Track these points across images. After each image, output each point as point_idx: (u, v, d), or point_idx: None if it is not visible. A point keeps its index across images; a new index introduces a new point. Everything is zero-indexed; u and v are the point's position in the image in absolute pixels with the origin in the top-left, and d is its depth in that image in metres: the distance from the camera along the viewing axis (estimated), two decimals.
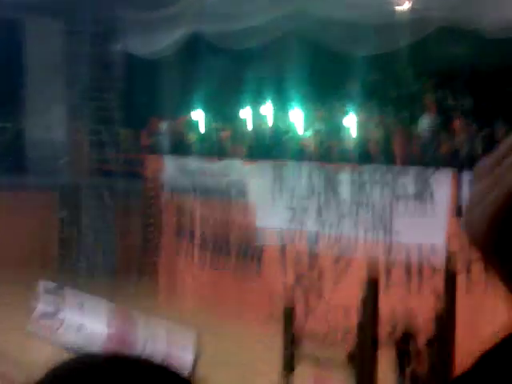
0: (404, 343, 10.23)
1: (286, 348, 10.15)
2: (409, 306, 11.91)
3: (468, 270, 12.41)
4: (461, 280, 11.31)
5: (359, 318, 9.72)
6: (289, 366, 9.89)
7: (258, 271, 16.18)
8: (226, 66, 20.43)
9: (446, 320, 9.86)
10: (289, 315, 10.64)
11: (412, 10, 15.77)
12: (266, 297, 15.32)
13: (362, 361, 9.26)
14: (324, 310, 14.29)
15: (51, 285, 15.44)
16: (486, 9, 14.20)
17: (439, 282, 12.39)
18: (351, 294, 13.31)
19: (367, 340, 9.46)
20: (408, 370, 9.74)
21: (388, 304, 11.38)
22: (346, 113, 16.37)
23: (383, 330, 10.09)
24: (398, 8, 16.10)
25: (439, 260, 12.83)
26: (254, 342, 14.35)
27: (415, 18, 15.58)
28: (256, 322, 15.34)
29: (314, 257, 14.98)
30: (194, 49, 20.44)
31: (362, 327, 9.65)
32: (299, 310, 13.52)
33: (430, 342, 9.71)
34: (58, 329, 14.17)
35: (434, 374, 9.29)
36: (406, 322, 10.89)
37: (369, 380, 9.22)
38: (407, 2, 16.07)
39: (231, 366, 13.13)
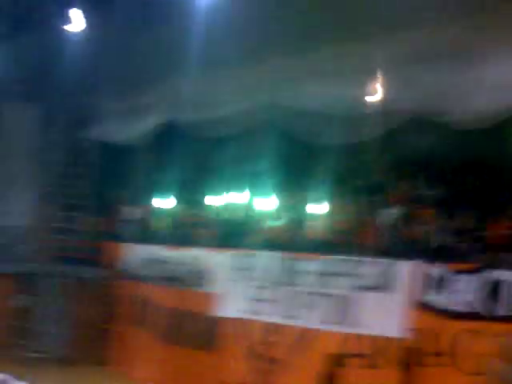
0: None
1: None
2: None
3: (422, 364, 12.14)
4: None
5: None
6: None
7: (213, 360, 15.87)
8: (198, 153, 20.58)
9: None
10: None
11: (383, 101, 16.02)
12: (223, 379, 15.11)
13: None
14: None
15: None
16: (455, 101, 14.43)
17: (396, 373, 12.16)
18: (308, 370, 13.06)
19: None
20: None
21: None
22: (313, 202, 16.39)
23: None
24: (368, 99, 16.36)
25: (397, 352, 12.55)
26: None
27: (386, 109, 15.81)
28: None
29: (271, 335, 14.74)
30: (167, 137, 20.63)
31: None
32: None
33: None
34: None
35: None
36: None
37: None
38: (378, 94, 16.33)
39: None
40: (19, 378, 14.80)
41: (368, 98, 16.24)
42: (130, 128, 20.07)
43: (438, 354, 12.22)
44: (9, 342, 19.52)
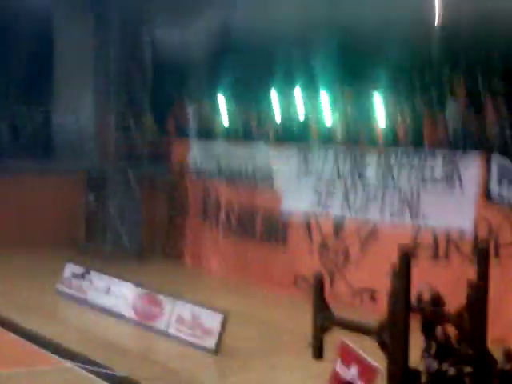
0: (432, 307, 10.19)
1: (316, 313, 10.29)
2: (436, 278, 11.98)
3: (497, 254, 12.35)
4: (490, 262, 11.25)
5: (392, 283, 9.81)
6: (320, 331, 10.02)
7: (283, 251, 16.29)
8: (254, 48, 20.41)
9: (478, 291, 9.85)
10: (318, 280, 10.78)
11: None
12: (293, 269, 15.53)
13: (395, 325, 9.35)
14: (350, 274, 14.42)
15: (78, 268, 15.64)
16: None
17: (468, 265, 12.40)
18: (377, 262, 13.40)
19: (400, 306, 9.55)
20: (436, 333, 9.73)
21: (415, 276, 11.41)
22: (374, 95, 16.25)
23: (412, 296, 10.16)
24: None
25: (468, 243, 12.78)
26: (281, 303, 14.74)
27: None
28: (283, 287, 15.65)
29: (340, 228, 15.11)
30: (223, 32, 20.46)
31: (395, 293, 9.74)
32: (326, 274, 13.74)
33: (463, 310, 9.70)
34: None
35: (464, 339, 9.32)
36: (433, 289, 10.91)
37: (402, 344, 9.28)
38: None
39: (259, 323, 13.45)
40: (98, 271, 15.40)
41: None
42: (184, 25, 19.92)
43: (509, 244, 12.42)
44: (86, 238, 20.30)
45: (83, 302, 14.94)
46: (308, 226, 15.81)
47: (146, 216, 19.70)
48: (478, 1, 14.75)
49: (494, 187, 12.91)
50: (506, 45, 16.32)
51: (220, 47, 20.73)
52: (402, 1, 15.58)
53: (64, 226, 19.75)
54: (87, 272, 15.35)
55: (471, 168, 13.33)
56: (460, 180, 13.43)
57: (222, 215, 18.00)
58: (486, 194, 12.99)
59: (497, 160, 13.01)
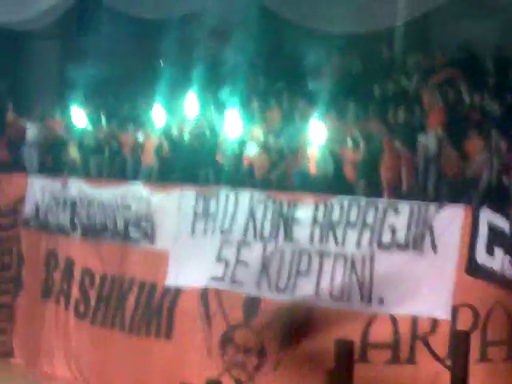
0: None
1: None
2: None
3: (483, 356, 12.79)
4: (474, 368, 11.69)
5: None
6: None
7: (166, 348, 16.40)
8: (128, 42, 20.71)
9: None
10: None
11: None
12: (179, 375, 15.71)
13: None
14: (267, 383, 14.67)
15: None
16: None
17: (442, 372, 12.82)
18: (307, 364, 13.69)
19: None
20: None
21: None
22: (310, 117, 16.66)
23: None
24: None
25: (442, 339, 13.17)
26: None
27: None
28: None
29: (254, 314, 15.37)
30: (81, 16, 20.72)
31: None
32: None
33: None
34: None
35: None
36: None
37: None
38: None
39: None
40: None
41: None
42: (25, 3, 20.07)
43: (503, 343, 12.91)
44: None
45: None
46: (205, 311, 15.95)
47: None
48: None
49: (483, 257, 13.34)
50: (502, 44, 17.15)
51: (78, 35, 20.95)
52: None
53: None
54: None
55: (450, 228, 13.74)
56: (434, 246, 13.83)
57: (76, 292, 17.97)
58: (471, 267, 13.39)
59: (487, 217, 13.44)
